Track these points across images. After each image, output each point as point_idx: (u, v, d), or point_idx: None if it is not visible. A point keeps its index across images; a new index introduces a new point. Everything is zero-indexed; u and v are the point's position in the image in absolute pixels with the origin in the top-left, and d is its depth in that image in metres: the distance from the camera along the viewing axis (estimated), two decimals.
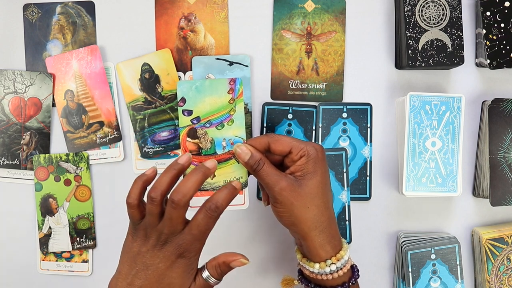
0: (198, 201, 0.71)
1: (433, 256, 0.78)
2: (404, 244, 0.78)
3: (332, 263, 0.65)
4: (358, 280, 0.69)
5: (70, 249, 0.81)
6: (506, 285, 0.80)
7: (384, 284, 0.83)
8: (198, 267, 0.63)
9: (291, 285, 0.75)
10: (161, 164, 0.80)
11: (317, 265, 0.66)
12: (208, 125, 0.69)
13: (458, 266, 0.78)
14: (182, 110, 0.70)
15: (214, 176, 0.70)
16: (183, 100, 0.69)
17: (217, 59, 0.80)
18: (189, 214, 0.79)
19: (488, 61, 0.77)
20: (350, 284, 0.67)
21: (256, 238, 0.82)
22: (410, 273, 0.77)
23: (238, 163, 0.69)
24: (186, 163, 0.62)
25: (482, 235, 0.79)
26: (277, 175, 0.65)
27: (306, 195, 0.65)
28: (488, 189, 0.79)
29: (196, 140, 0.70)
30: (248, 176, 0.70)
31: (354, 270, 0.68)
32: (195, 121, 0.70)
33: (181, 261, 0.61)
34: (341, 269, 0.66)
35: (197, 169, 0.61)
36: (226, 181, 0.70)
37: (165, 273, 0.60)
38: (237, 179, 0.70)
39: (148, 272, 0.60)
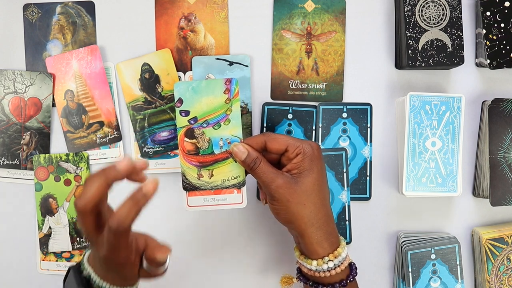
0: (196, 200, 0.72)
1: (433, 256, 0.78)
2: (404, 244, 0.78)
3: (330, 260, 0.65)
4: (356, 278, 0.69)
5: (70, 249, 0.81)
6: (506, 285, 0.80)
7: (384, 284, 0.83)
8: None
9: (290, 283, 0.75)
10: (161, 164, 0.80)
11: (314, 262, 0.66)
12: (205, 125, 0.70)
13: (458, 266, 0.78)
14: (180, 110, 0.70)
15: (212, 175, 0.70)
16: (180, 100, 0.70)
17: (217, 59, 0.80)
18: (193, 217, 0.80)
19: (488, 61, 0.77)
20: (348, 281, 0.67)
21: (255, 237, 0.82)
22: (410, 273, 0.77)
23: (236, 162, 0.70)
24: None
25: (482, 235, 0.79)
26: (274, 173, 0.66)
27: (303, 192, 0.65)
28: (488, 189, 0.79)
29: (194, 140, 0.70)
30: (246, 175, 0.71)
31: (352, 268, 0.68)
32: (192, 121, 0.70)
33: (119, 268, 0.61)
34: (338, 266, 0.66)
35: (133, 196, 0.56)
36: (224, 180, 0.70)
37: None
38: (234, 178, 0.70)
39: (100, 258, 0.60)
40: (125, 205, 0.55)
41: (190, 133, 0.70)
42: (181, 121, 0.70)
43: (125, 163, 0.56)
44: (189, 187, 0.71)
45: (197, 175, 0.71)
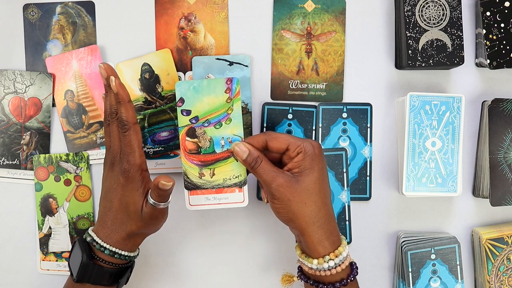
0: (198, 199, 0.72)
1: (433, 256, 0.78)
2: (404, 244, 0.78)
3: (330, 259, 0.66)
4: (357, 278, 0.69)
5: (70, 249, 0.81)
6: (506, 285, 0.80)
7: (384, 284, 0.83)
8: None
9: (290, 282, 0.75)
10: (161, 164, 0.80)
11: (315, 261, 0.66)
12: (206, 124, 0.70)
13: (458, 266, 0.78)
14: (181, 110, 0.70)
15: (214, 174, 0.70)
16: (182, 100, 0.70)
17: (217, 59, 0.80)
18: (194, 216, 0.79)
19: (488, 61, 0.77)
20: (349, 281, 0.67)
21: (256, 236, 0.82)
22: (410, 273, 0.77)
23: (237, 161, 0.70)
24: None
25: (482, 235, 0.79)
26: (274, 172, 0.66)
27: (303, 191, 0.65)
28: (488, 189, 0.79)
29: (195, 139, 0.71)
30: (248, 174, 0.71)
31: (353, 267, 0.68)
32: (193, 121, 0.71)
33: (126, 181, 0.66)
34: (339, 265, 0.66)
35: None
36: (226, 179, 0.71)
37: (121, 192, 0.67)
38: (236, 177, 0.71)
39: (111, 195, 0.68)
40: (121, 108, 0.67)
41: (191, 133, 0.71)
42: (183, 121, 0.71)
43: (103, 68, 0.67)
44: (190, 186, 0.71)
45: (199, 174, 0.71)
